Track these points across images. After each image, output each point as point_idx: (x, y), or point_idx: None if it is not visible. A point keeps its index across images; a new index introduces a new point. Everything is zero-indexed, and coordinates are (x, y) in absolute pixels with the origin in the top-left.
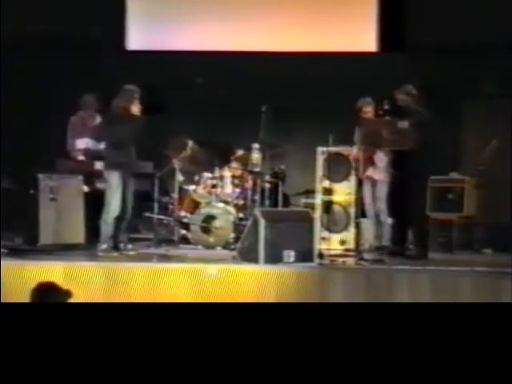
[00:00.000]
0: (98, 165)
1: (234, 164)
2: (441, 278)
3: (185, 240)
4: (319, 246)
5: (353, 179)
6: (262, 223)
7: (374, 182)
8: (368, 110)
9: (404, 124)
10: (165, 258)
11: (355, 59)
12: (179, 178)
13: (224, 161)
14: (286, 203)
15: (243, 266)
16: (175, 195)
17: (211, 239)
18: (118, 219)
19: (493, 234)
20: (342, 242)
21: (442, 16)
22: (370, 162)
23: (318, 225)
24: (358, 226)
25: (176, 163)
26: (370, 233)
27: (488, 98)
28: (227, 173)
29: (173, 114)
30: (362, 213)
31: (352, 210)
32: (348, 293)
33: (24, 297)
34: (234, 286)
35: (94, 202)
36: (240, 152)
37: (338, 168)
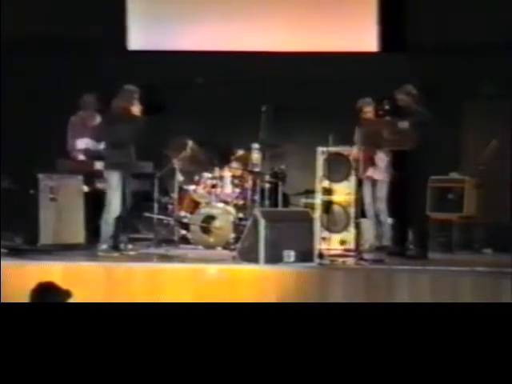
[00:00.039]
0: (98, 165)
1: (234, 164)
2: (441, 278)
3: (185, 240)
4: (319, 246)
5: (353, 179)
6: (262, 223)
7: (374, 182)
8: (368, 110)
9: (404, 124)
10: (165, 258)
11: (355, 59)
12: (179, 178)
13: (224, 161)
14: (286, 203)
15: (243, 266)
16: (175, 195)
17: (211, 239)
18: (119, 219)
19: (493, 234)
20: (342, 242)
21: (442, 16)
22: (370, 162)
23: (317, 225)
24: (357, 226)
25: (176, 163)
26: (369, 233)
27: (488, 98)
28: (227, 173)
29: (173, 114)
30: (361, 213)
31: (352, 210)
32: (348, 293)
33: (24, 297)
34: (234, 286)
35: (94, 202)
36: (240, 152)
37: (338, 168)
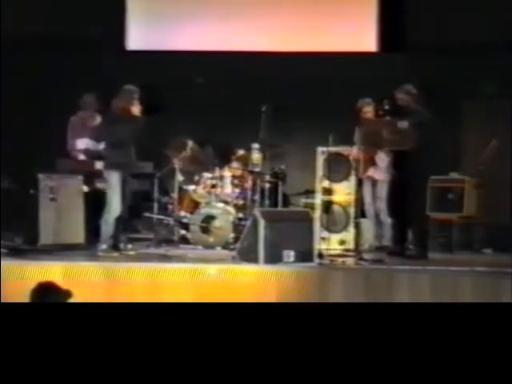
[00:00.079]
0: (98, 165)
1: (234, 164)
2: (441, 278)
3: (185, 240)
4: (319, 245)
5: (353, 179)
6: (262, 223)
7: (374, 182)
8: (368, 110)
9: (404, 124)
10: (165, 258)
11: (355, 59)
12: (179, 177)
13: (224, 161)
14: (286, 203)
15: (243, 265)
16: (175, 195)
17: (211, 239)
18: (119, 219)
19: (493, 234)
20: (342, 242)
21: (442, 16)
22: (370, 162)
23: (317, 225)
24: (357, 226)
25: (176, 163)
26: (369, 233)
27: (488, 98)
28: (227, 173)
29: (173, 114)
30: (361, 213)
31: (352, 210)
32: (348, 293)
33: (24, 297)
34: (234, 286)
35: (94, 202)
36: (240, 152)
37: (337, 168)
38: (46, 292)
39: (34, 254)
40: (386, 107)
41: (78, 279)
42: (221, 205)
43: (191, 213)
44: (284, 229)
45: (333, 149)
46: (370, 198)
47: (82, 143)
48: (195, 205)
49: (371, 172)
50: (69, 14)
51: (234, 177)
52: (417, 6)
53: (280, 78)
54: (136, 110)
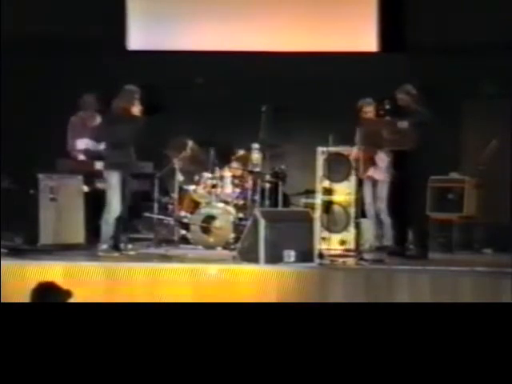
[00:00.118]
0: (98, 165)
1: (235, 164)
2: (441, 278)
3: (185, 240)
4: (319, 245)
5: (353, 179)
6: (262, 223)
7: (374, 182)
8: (368, 110)
9: (404, 124)
10: (165, 258)
11: (355, 59)
12: (179, 177)
13: (224, 161)
14: (286, 203)
15: (243, 266)
16: (175, 195)
17: (211, 239)
18: (119, 219)
19: (493, 234)
20: (342, 242)
21: (442, 16)
22: (371, 162)
23: (317, 225)
24: (357, 226)
25: (176, 163)
26: (370, 233)
27: (488, 98)
28: (227, 173)
29: (173, 114)
30: (362, 213)
31: (352, 210)
32: (348, 293)
33: (24, 297)
34: (234, 286)
35: (94, 202)
36: (240, 152)
37: (338, 168)
38: (46, 292)
39: (33, 254)
40: (387, 107)
41: (78, 279)
42: (221, 205)
43: (191, 213)
44: (284, 229)
45: (333, 149)
46: (370, 198)
47: (82, 143)
48: (195, 205)
49: (371, 172)
50: (69, 14)
51: (234, 177)
52: (417, 6)
53: (280, 78)
54: (136, 110)
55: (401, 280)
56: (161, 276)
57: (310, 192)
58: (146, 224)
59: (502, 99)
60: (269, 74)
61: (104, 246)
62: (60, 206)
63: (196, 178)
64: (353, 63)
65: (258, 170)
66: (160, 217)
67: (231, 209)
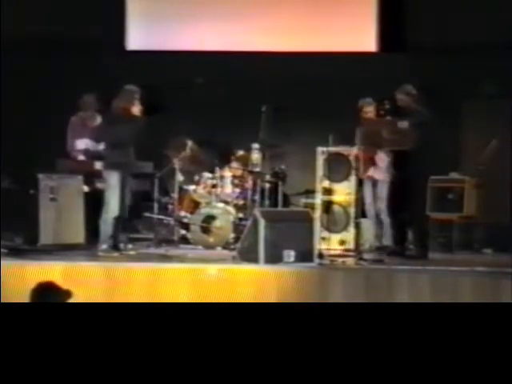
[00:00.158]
0: (98, 165)
1: (235, 164)
2: (441, 278)
3: (185, 240)
4: (319, 245)
5: (353, 179)
6: (262, 223)
7: (374, 182)
8: (369, 110)
9: (404, 124)
10: (165, 258)
11: (355, 59)
12: (179, 177)
13: (224, 161)
14: (286, 203)
15: (243, 266)
16: (175, 195)
17: (211, 239)
18: (118, 219)
19: (493, 234)
20: (342, 242)
21: (442, 16)
22: (371, 161)
23: (317, 225)
24: (357, 226)
25: (176, 163)
26: (369, 233)
27: (488, 98)
28: (227, 173)
29: (173, 114)
30: (362, 213)
31: (352, 210)
32: (348, 293)
33: (24, 297)
34: (234, 286)
35: (94, 202)
36: (240, 152)
37: (338, 168)
38: (46, 292)
39: (34, 254)
40: (387, 107)
41: (78, 279)
42: (221, 205)
43: (191, 213)
44: (284, 229)
45: (333, 149)
46: (370, 198)
47: (82, 143)
48: (195, 205)
49: (371, 172)
50: (69, 14)
51: (234, 177)
52: (417, 6)
53: (280, 78)
54: (136, 110)
55: (401, 280)
56: (161, 276)
57: (310, 192)
58: (146, 224)
59: (502, 99)
60: (269, 74)
61: (104, 246)
62: (60, 206)
63: (196, 177)
64: (353, 63)
65: (257, 169)
66: (160, 217)
67: (231, 209)
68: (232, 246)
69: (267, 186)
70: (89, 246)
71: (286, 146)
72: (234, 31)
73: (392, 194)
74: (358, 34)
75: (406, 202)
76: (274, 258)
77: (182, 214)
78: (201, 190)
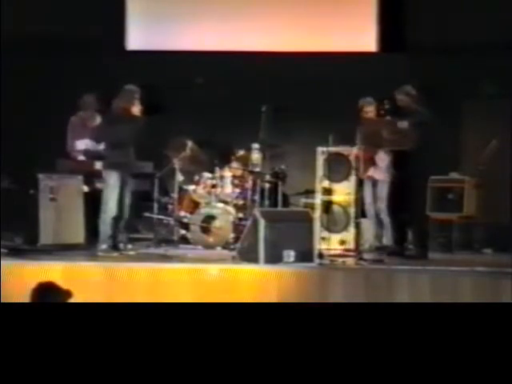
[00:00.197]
0: (98, 165)
1: (234, 164)
2: (441, 278)
3: (185, 240)
4: (319, 245)
5: (353, 179)
6: (262, 223)
7: (374, 182)
8: (369, 110)
9: (403, 124)
10: (165, 258)
11: (355, 59)
12: (179, 178)
13: (224, 161)
14: (286, 203)
15: (243, 265)
16: (175, 195)
17: (211, 239)
18: (117, 219)
19: (493, 234)
20: (342, 242)
21: (442, 16)
22: (371, 161)
23: (317, 225)
24: (357, 226)
25: (176, 163)
26: (369, 233)
27: (488, 98)
28: (227, 173)
29: (173, 114)
30: (362, 213)
31: (352, 210)
32: (348, 293)
33: (24, 297)
34: (234, 286)
35: (94, 202)
36: (240, 152)
37: (338, 168)
38: (46, 292)
39: (33, 254)
40: (387, 107)
41: (78, 279)
42: (221, 205)
43: (191, 213)
44: (284, 229)
45: (333, 149)
46: (370, 198)
47: (82, 144)
48: (195, 205)
49: (371, 172)
50: (69, 14)
51: (234, 177)
52: (417, 6)
53: (280, 78)
54: (136, 110)
55: (401, 280)
56: (161, 276)
57: (310, 192)
58: (145, 224)
59: (502, 99)
60: (269, 74)
61: (103, 246)
62: (60, 206)
63: (196, 177)
64: (353, 63)
65: (257, 169)
66: (160, 217)
67: (231, 209)
68: (232, 246)
69: (267, 185)
70: (89, 246)
71: (286, 146)
72: (233, 31)
73: (392, 194)
74: (358, 34)
75: (405, 201)
76: (274, 257)
77: (182, 214)
78: (201, 190)
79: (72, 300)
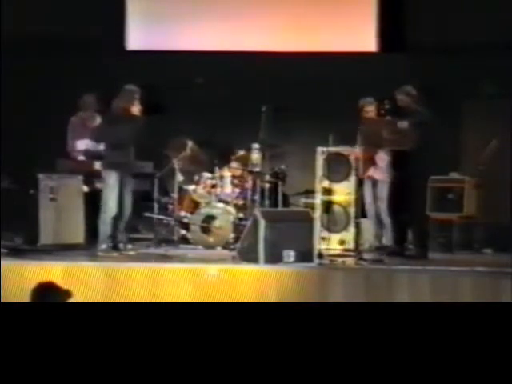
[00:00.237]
0: (98, 165)
1: (234, 164)
2: (441, 278)
3: (185, 240)
4: (319, 245)
5: (353, 179)
6: (262, 223)
7: (374, 182)
8: (370, 110)
9: (403, 124)
10: (165, 258)
11: (355, 59)
12: (179, 178)
13: (224, 161)
14: (286, 203)
15: (243, 265)
16: (175, 195)
17: (211, 239)
18: (116, 219)
19: (493, 234)
20: (342, 242)
21: (442, 16)
22: (371, 161)
23: (317, 225)
24: (357, 226)
25: (176, 163)
26: (369, 233)
27: (488, 98)
28: (227, 173)
29: (173, 114)
30: (362, 213)
31: (352, 210)
32: (348, 293)
33: (24, 297)
34: (234, 286)
35: (94, 202)
36: (240, 152)
37: (337, 168)
38: (46, 292)
39: (33, 254)
40: (387, 107)
41: (78, 279)
42: (221, 205)
43: (191, 213)
44: (284, 229)
45: (333, 149)
46: (370, 198)
47: (82, 144)
48: (195, 205)
49: (371, 172)
50: (69, 14)
51: (234, 177)
52: (417, 6)
53: (280, 78)
54: (136, 110)
55: (401, 280)
56: (161, 276)
57: (310, 192)
58: (146, 224)
59: (502, 99)
60: (269, 74)
61: (103, 246)
62: (60, 206)
63: (196, 178)
64: (353, 63)
65: (257, 169)
66: (160, 217)
67: (231, 209)
68: (232, 246)
69: (267, 186)
70: (89, 246)
71: (286, 146)
72: (233, 31)
73: (392, 194)
74: (358, 34)
75: (406, 201)
76: (273, 258)
77: (182, 213)
78: (201, 189)
79: (72, 300)
